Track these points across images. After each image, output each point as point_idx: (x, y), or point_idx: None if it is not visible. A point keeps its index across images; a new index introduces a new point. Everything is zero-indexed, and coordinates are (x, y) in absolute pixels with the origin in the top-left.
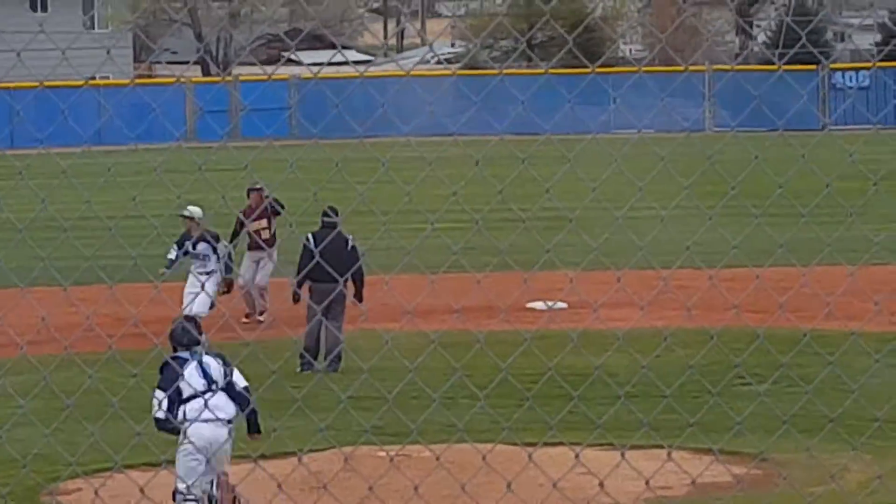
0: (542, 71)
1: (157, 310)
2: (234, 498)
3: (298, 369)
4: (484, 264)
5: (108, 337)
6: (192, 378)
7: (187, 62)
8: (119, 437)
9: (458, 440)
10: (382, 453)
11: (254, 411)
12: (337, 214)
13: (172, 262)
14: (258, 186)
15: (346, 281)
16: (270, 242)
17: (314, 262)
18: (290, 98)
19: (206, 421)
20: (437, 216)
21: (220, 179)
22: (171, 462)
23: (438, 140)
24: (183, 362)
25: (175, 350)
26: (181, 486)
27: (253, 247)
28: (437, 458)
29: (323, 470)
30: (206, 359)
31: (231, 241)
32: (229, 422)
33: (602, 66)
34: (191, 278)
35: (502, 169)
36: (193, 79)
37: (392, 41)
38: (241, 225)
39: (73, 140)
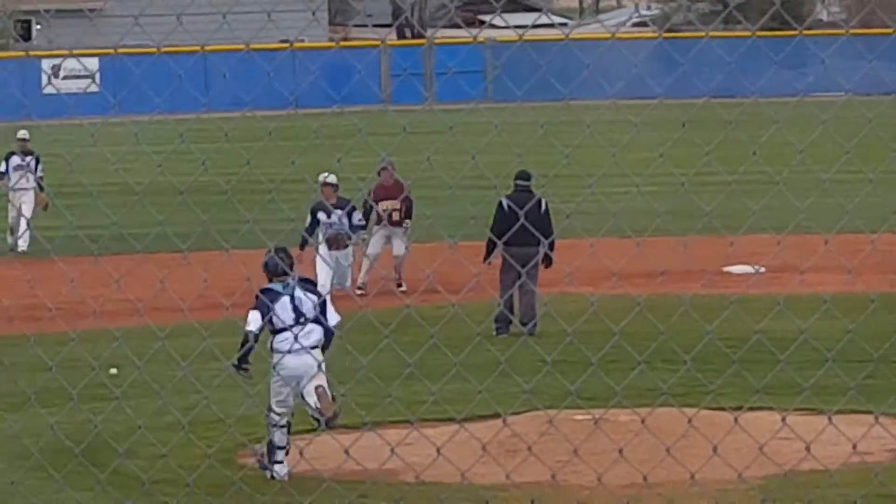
0: (748, 34)
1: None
2: (333, 398)
3: (494, 333)
4: (689, 228)
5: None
6: (283, 311)
7: (383, 25)
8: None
9: (661, 404)
10: (580, 416)
11: (330, 340)
12: (530, 178)
13: (310, 233)
14: (386, 165)
15: (538, 244)
16: (399, 223)
17: (518, 224)
18: (487, 61)
19: (291, 352)
20: (642, 179)
21: (419, 142)
22: (376, 423)
23: (643, 103)
24: (275, 295)
25: (270, 281)
26: (271, 404)
27: (380, 223)
28: (643, 421)
29: (526, 432)
30: (299, 293)
31: (364, 222)
32: (315, 348)
33: (806, 28)
34: (324, 249)
35: (707, 132)
36: (390, 41)
37: (588, 3)
38: (371, 206)
39: (273, 103)
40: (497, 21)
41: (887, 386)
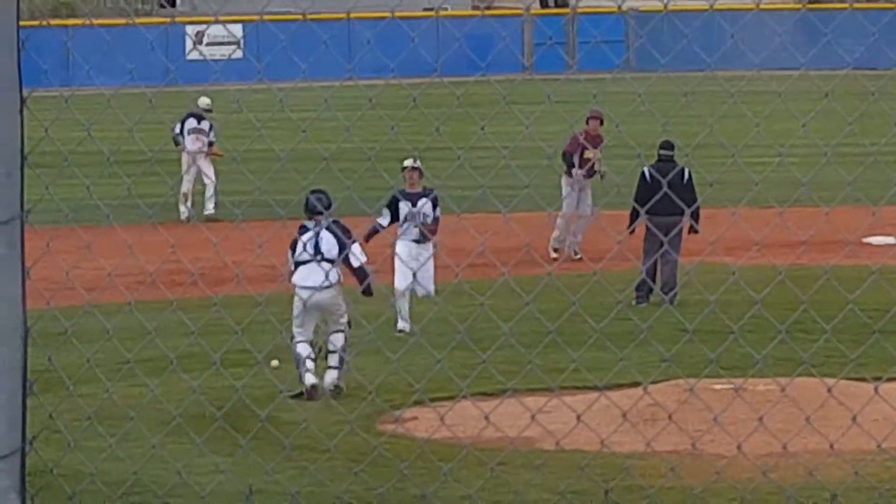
0: (890, 6)
1: (502, 240)
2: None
3: (634, 302)
4: (831, 198)
5: (455, 266)
6: (306, 246)
7: None
8: (459, 368)
9: (800, 374)
10: (723, 385)
11: (367, 281)
12: (673, 148)
13: (382, 227)
14: (597, 114)
15: (681, 214)
16: (590, 174)
17: (660, 194)
18: (629, 31)
19: (304, 287)
20: (785, 149)
21: (562, 111)
22: (517, 391)
23: (786, 73)
24: (304, 231)
25: (308, 219)
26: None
27: (585, 175)
28: (783, 391)
29: (665, 401)
30: (324, 232)
31: (569, 167)
32: (329, 287)
33: None
34: (405, 245)
35: (850, 103)
36: (533, 11)
37: None
38: (583, 150)
39: (416, 71)
40: None
41: None
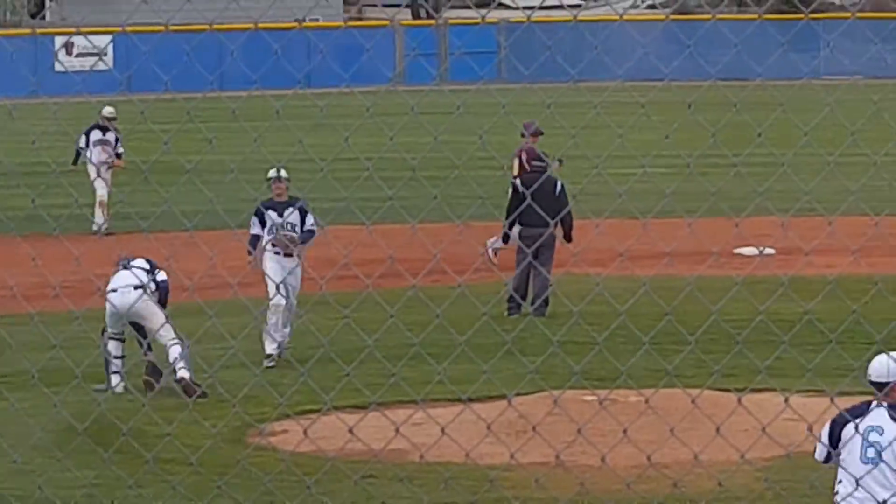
0: (755, 16)
1: (367, 252)
2: None
3: (506, 313)
4: (694, 209)
5: (319, 278)
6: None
7: (397, 5)
8: (328, 380)
9: (666, 385)
10: (588, 397)
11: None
12: (543, 159)
13: (257, 237)
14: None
15: (555, 225)
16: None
17: (524, 205)
18: (500, 42)
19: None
20: (649, 160)
21: (431, 122)
22: (381, 404)
23: (650, 84)
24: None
25: None
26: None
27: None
28: (647, 402)
29: (531, 413)
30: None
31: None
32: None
33: (813, 11)
34: (270, 260)
35: (713, 114)
36: (403, 22)
37: None
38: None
39: (284, 82)
40: (510, 2)
41: None
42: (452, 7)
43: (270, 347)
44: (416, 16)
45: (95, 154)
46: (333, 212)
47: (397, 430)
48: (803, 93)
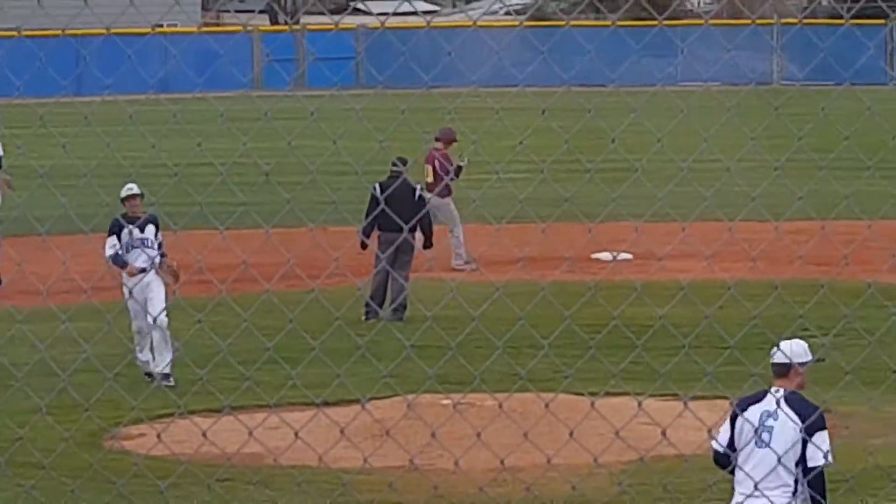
0: (609, 23)
1: (221, 257)
2: None
3: (363, 318)
4: (549, 215)
5: (172, 284)
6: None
7: (254, 10)
8: (182, 384)
9: (520, 389)
10: (445, 401)
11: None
12: (405, 164)
13: (117, 256)
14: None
15: (414, 230)
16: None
17: (380, 210)
18: (357, 47)
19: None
20: (503, 166)
21: (286, 127)
22: (235, 408)
23: (504, 90)
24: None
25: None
26: None
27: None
28: (500, 406)
29: (385, 417)
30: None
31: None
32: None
33: (669, 18)
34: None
35: (568, 120)
36: (261, 27)
37: None
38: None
39: (138, 87)
40: (370, 7)
41: (744, 372)
42: (310, 13)
43: (144, 356)
44: (273, 21)
45: None
46: (187, 216)
47: (251, 434)
48: (658, 99)
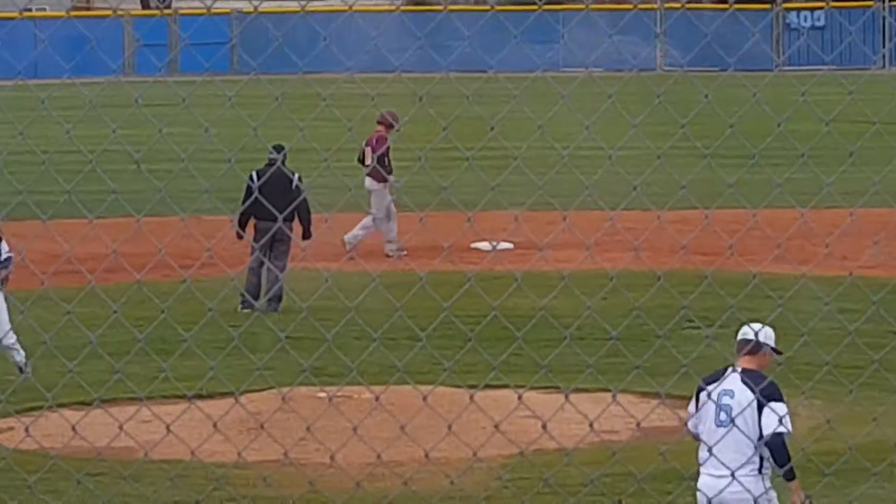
0: (488, 7)
1: (91, 246)
2: None
3: (239, 307)
4: (427, 203)
5: (40, 274)
6: None
7: None
8: (51, 376)
9: (398, 381)
10: (321, 394)
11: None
12: (280, 151)
13: None
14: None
15: (291, 220)
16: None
17: (254, 199)
18: (231, 32)
19: None
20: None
21: (157, 114)
22: (105, 401)
23: (381, 76)
24: None
25: None
26: None
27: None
28: (377, 399)
29: (260, 410)
30: None
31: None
32: None
33: (550, 2)
34: None
35: (447, 107)
36: (132, 11)
37: None
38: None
39: (6, 73)
40: None
41: (626, 364)
42: None
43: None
44: (145, 6)
45: None
46: (56, 205)
47: (122, 428)
48: (538, 85)
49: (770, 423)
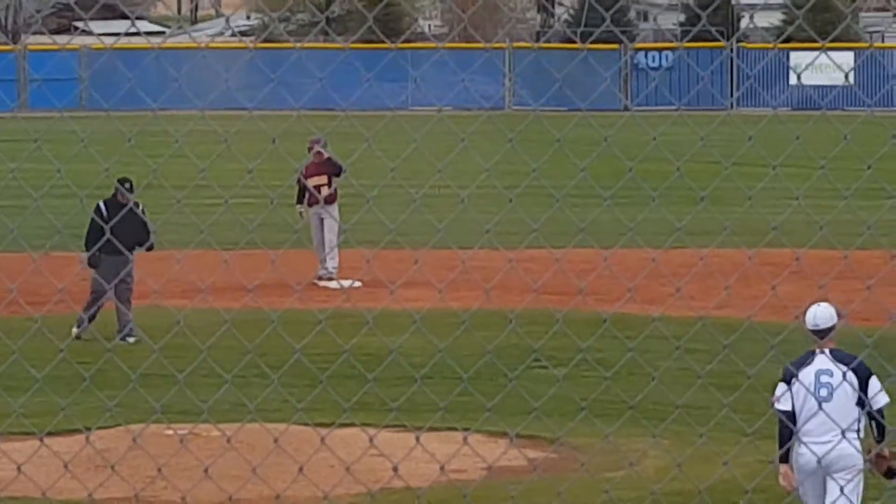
0: (340, 45)
1: None
2: None
3: (75, 329)
4: (279, 242)
5: None
6: None
7: None
8: None
9: (249, 420)
10: (171, 432)
11: None
12: (125, 184)
13: None
14: (317, 140)
15: (133, 252)
16: (330, 199)
17: (101, 232)
18: (81, 69)
19: None
20: (232, 192)
21: (7, 150)
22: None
23: (234, 114)
24: None
25: None
26: None
27: (312, 202)
28: (228, 440)
29: (110, 448)
30: None
31: (297, 201)
32: None
33: (401, 41)
34: None
35: (298, 145)
36: None
37: (186, 12)
38: (301, 181)
39: None
40: (91, 27)
41: (478, 404)
42: (33, 33)
43: None
44: None
45: None
46: None
47: None
48: (390, 124)
49: (877, 397)
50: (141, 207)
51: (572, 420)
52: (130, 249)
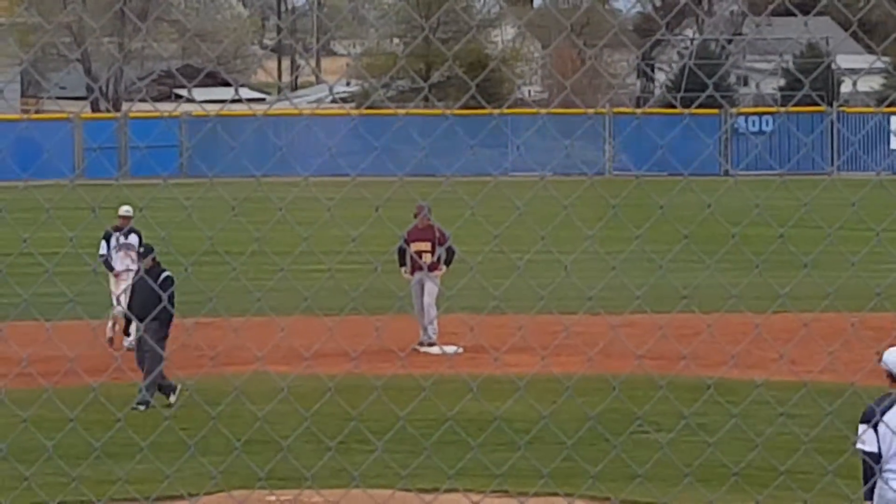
0: (440, 111)
1: (42, 349)
2: None
3: (172, 398)
4: (382, 308)
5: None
6: None
7: (77, 97)
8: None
9: (352, 487)
10: (274, 499)
11: None
12: (145, 247)
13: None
14: (423, 206)
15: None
16: (432, 267)
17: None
18: (182, 136)
19: None
20: (336, 259)
21: (107, 217)
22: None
23: (337, 180)
24: None
25: None
26: None
27: (415, 268)
28: None
29: None
30: None
31: (400, 264)
32: None
33: (499, 106)
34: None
35: (401, 211)
36: (83, 115)
37: (286, 79)
38: (404, 246)
39: None
40: (193, 94)
41: (581, 469)
42: (134, 100)
43: None
44: (95, 108)
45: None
46: (16, 308)
47: None
48: (492, 191)
49: None
50: (165, 275)
51: (676, 486)
52: (142, 320)
